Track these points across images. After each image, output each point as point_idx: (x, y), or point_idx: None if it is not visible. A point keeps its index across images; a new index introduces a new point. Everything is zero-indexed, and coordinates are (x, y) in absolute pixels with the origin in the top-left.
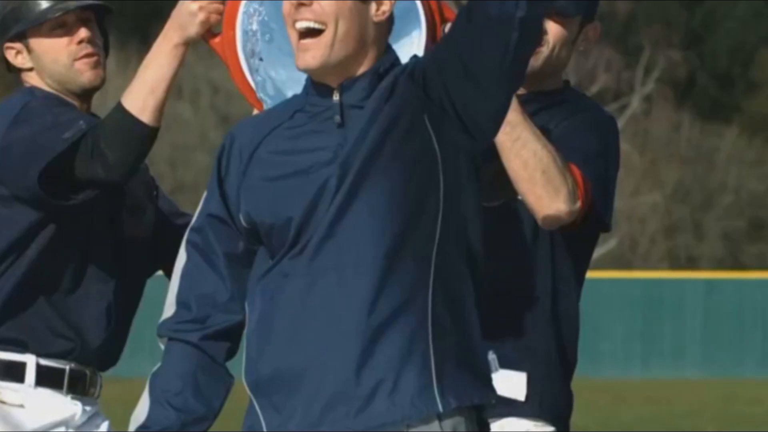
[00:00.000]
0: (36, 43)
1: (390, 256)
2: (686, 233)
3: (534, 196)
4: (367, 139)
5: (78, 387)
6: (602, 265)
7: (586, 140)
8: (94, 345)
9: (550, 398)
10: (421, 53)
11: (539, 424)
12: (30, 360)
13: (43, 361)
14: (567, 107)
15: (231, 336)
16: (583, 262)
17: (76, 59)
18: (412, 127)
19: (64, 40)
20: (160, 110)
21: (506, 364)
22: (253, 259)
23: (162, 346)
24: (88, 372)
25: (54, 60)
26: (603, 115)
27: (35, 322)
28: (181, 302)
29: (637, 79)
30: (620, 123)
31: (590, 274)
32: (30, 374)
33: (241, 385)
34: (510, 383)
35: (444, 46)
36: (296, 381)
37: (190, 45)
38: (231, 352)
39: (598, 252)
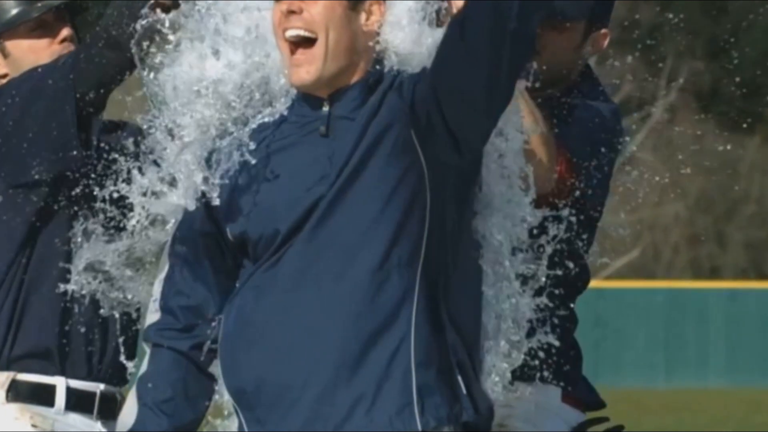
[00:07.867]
0: (13, 46)
1: (374, 273)
2: (709, 243)
3: None
4: (354, 155)
5: (108, 411)
6: (625, 275)
7: (578, 138)
8: (113, 342)
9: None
10: None
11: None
12: (60, 382)
13: (73, 384)
14: (569, 106)
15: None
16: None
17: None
18: (399, 143)
19: (45, 41)
20: None
21: None
22: (239, 272)
23: (147, 350)
24: (118, 396)
25: (35, 63)
26: (603, 111)
27: (57, 327)
28: (166, 309)
29: (660, 89)
30: (643, 132)
31: (613, 284)
32: (60, 398)
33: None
34: (546, 396)
35: (436, 65)
36: (278, 395)
37: None
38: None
39: (621, 261)
